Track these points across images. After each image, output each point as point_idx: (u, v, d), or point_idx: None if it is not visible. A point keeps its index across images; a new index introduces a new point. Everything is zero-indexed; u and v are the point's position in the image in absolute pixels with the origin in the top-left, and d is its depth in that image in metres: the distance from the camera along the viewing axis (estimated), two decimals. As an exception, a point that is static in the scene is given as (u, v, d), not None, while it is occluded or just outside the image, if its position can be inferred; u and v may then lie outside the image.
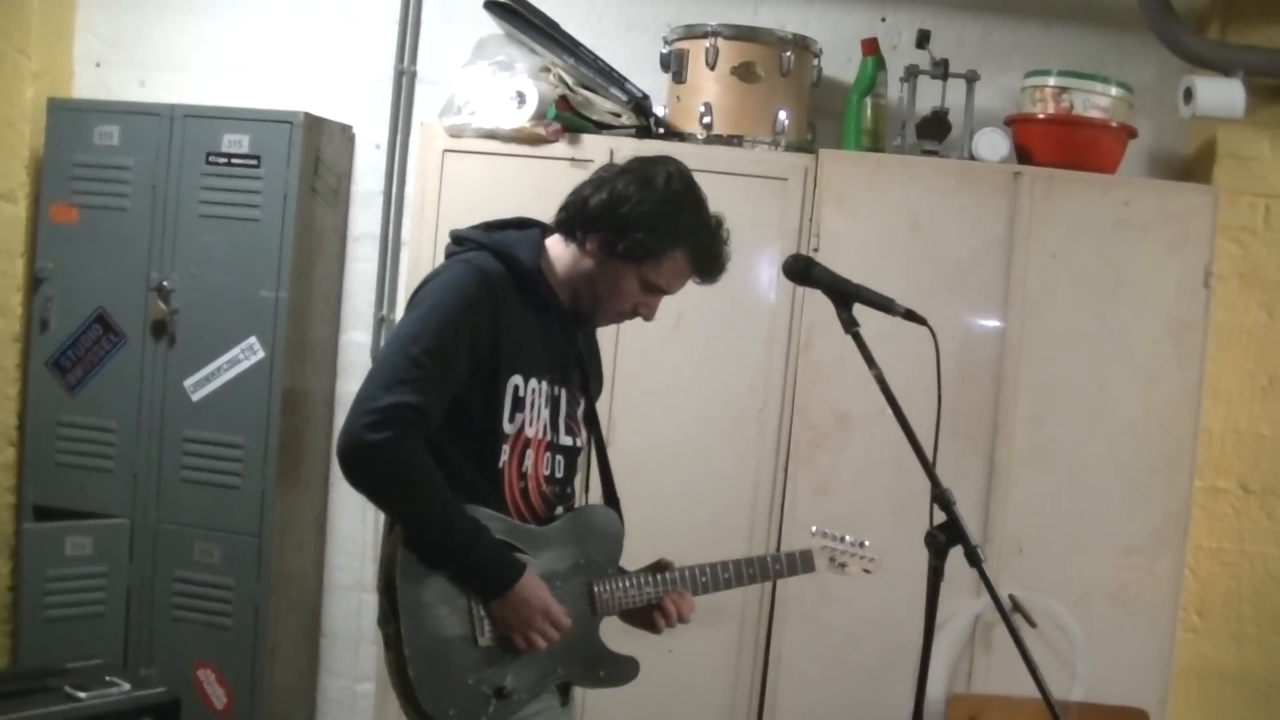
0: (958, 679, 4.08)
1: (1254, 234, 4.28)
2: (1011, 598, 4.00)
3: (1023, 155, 4.11)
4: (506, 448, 2.76)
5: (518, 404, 2.77)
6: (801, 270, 2.79)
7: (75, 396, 4.50)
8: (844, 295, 2.73)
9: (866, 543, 3.25)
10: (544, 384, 2.83)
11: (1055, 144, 4.05)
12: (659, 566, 3.01)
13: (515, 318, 2.76)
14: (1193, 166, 4.38)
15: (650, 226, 2.75)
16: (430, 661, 2.63)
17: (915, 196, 4.04)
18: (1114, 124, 4.05)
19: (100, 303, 4.46)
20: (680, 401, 4.16)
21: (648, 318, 2.93)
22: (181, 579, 4.41)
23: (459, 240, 2.89)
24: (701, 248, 2.83)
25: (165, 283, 4.37)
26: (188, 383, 4.39)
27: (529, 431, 2.80)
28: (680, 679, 4.17)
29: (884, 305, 2.70)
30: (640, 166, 2.83)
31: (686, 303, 4.00)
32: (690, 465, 4.16)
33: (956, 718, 3.94)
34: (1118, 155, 4.10)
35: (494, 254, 2.78)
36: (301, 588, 4.61)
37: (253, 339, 4.33)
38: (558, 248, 2.87)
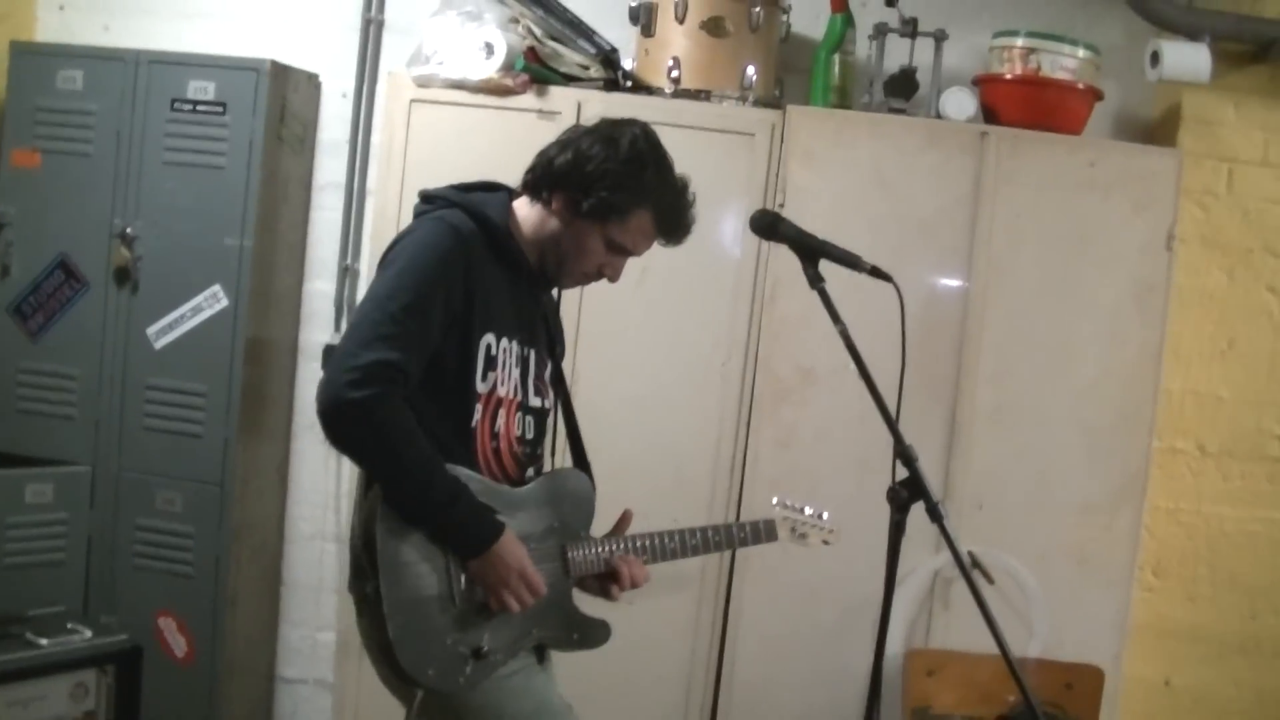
0: (916, 634, 4.12)
1: (1216, 198, 4.31)
2: (971, 554, 4.03)
3: (990, 115, 4.12)
4: (479, 407, 2.76)
5: (490, 363, 2.77)
6: (768, 225, 2.79)
7: (37, 343, 4.46)
8: (810, 251, 2.74)
9: (825, 515, 3.28)
10: (514, 344, 2.84)
11: (1022, 104, 4.06)
12: (622, 522, 3.03)
13: (486, 276, 2.75)
14: (1158, 130, 4.40)
15: (615, 186, 2.76)
16: (409, 621, 2.63)
17: (882, 154, 4.05)
18: (1080, 85, 4.06)
19: (63, 249, 4.42)
20: (644, 356, 4.17)
21: (613, 279, 2.94)
22: (143, 527, 4.39)
23: (429, 199, 2.88)
24: (666, 208, 2.84)
25: (129, 229, 4.33)
26: (150, 330, 4.36)
27: (501, 391, 2.80)
28: (641, 636, 4.17)
29: (850, 261, 2.71)
30: (606, 127, 2.84)
31: (651, 258, 3.98)
32: (654, 420, 4.17)
33: (914, 672, 3.98)
34: (1084, 116, 4.12)
35: (466, 212, 2.78)
36: (263, 537, 4.61)
37: (216, 287, 4.31)
38: (524, 209, 2.87)
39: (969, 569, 2.60)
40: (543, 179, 2.83)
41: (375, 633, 2.65)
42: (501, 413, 2.81)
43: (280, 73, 4.36)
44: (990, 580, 4.02)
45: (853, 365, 2.63)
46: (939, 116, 4.09)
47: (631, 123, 2.86)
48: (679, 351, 4.16)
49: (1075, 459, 4.07)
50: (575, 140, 2.82)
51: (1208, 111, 4.28)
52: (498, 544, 2.67)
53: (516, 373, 2.85)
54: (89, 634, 3.28)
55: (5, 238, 4.46)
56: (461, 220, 2.75)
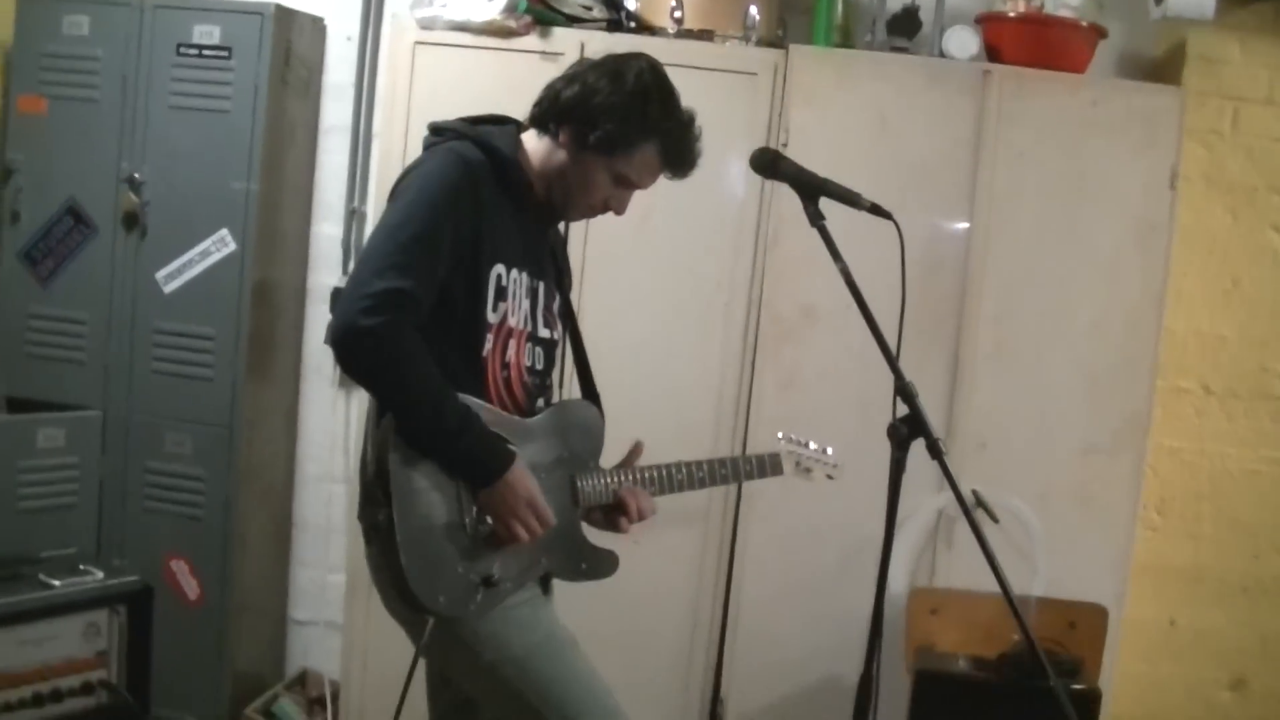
0: (920, 573, 4.15)
1: (1221, 137, 4.30)
2: (974, 493, 4.06)
3: (993, 54, 4.11)
4: (490, 337, 2.78)
5: (500, 293, 2.79)
6: (768, 163, 2.79)
7: (47, 289, 4.49)
8: (810, 188, 2.74)
9: (830, 450, 3.31)
10: (524, 275, 2.85)
11: (1025, 43, 4.05)
12: (633, 454, 3.06)
13: (496, 207, 2.77)
14: (1162, 68, 4.38)
15: (621, 119, 2.77)
16: (420, 549, 2.64)
17: (884, 94, 4.04)
18: (1084, 24, 4.05)
19: (71, 194, 4.44)
20: (647, 297, 4.19)
21: (619, 212, 2.95)
22: (153, 470, 4.44)
23: (438, 130, 2.89)
24: (672, 142, 2.85)
25: (136, 174, 4.35)
26: (159, 274, 4.39)
27: (511, 321, 2.82)
28: (647, 574, 4.22)
29: (850, 199, 2.71)
30: (613, 61, 2.85)
31: (655, 197, 4.01)
32: (657, 360, 4.19)
33: (917, 611, 4.00)
34: (1087, 55, 4.10)
35: (475, 144, 2.79)
36: (272, 479, 4.65)
37: (224, 231, 4.33)
38: (532, 142, 2.88)
39: (971, 508, 2.62)
40: (549, 112, 2.84)
41: (386, 561, 2.67)
42: (512, 343, 2.83)
43: (285, 16, 4.36)
44: (994, 519, 4.04)
45: (855, 305, 2.66)
46: (942, 56, 4.08)
47: (638, 57, 2.88)
48: (682, 292, 4.18)
49: (1077, 399, 4.07)
50: (582, 74, 2.83)
51: (1212, 49, 4.25)
52: (508, 473, 2.69)
53: (526, 304, 2.87)
54: (100, 575, 3.32)
55: (14, 184, 4.48)
56: (471, 151, 2.77)
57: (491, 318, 2.78)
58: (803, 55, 4.07)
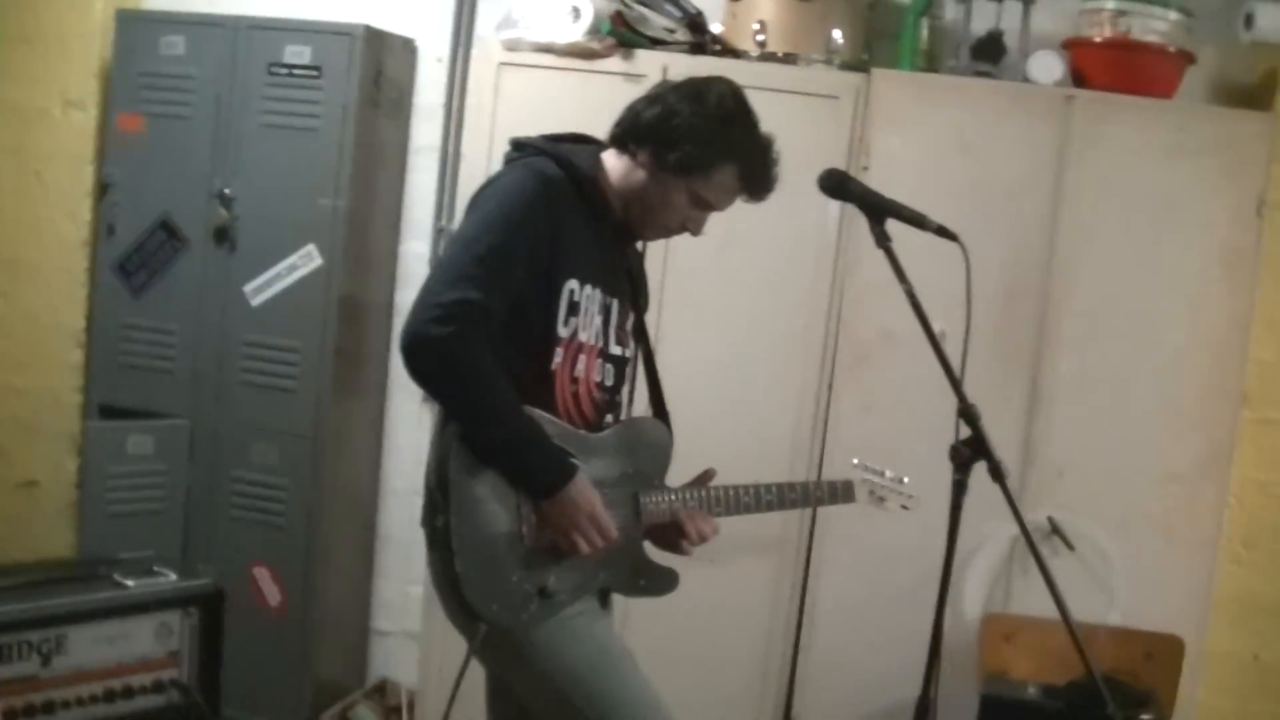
0: (995, 599, 4.11)
1: (1313, 164, 4.22)
2: (1050, 520, 4.02)
3: (1079, 79, 4.07)
4: (560, 350, 2.81)
5: (573, 308, 2.82)
6: (837, 185, 2.81)
7: (140, 300, 4.62)
8: (878, 210, 2.76)
9: (906, 480, 3.27)
10: (598, 291, 2.88)
11: (1111, 68, 4.00)
12: (704, 478, 3.07)
13: (572, 223, 2.80)
14: (1255, 94, 4.30)
15: (700, 140, 2.80)
16: (477, 556, 2.69)
17: (966, 118, 4.02)
18: (1171, 49, 3.99)
19: (165, 209, 4.56)
20: (727, 318, 4.20)
21: (695, 233, 2.98)
22: (239, 479, 4.54)
23: (519, 146, 2.94)
24: (751, 164, 2.87)
25: (227, 190, 4.46)
26: (248, 288, 4.49)
27: (583, 336, 2.85)
28: (723, 594, 4.24)
29: (916, 220, 2.72)
30: (695, 83, 2.89)
31: (735, 220, 4.02)
32: (736, 380, 4.21)
33: (991, 637, 3.98)
34: (1175, 81, 4.05)
35: (554, 160, 2.83)
36: (357, 491, 4.72)
37: (311, 246, 4.42)
38: (612, 160, 2.92)
39: (1045, 534, 2.60)
40: (630, 132, 2.88)
41: (443, 566, 2.72)
42: (582, 358, 2.86)
43: (375, 37, 4.44)
44: (1070, 546, 4.00)
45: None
46: (1026, 81, 4.05)
47: (719, 80, 2.90)
48: (761, 314, 4.19)
49: (1159, 428, 4.01)
50: (663, 95, 2.87)
51: (1306, 74, 4.18)
52: (570, 486, 2.72)
53: (599, 320, 2.89)
54: (174, 576, 3.40)
55: (111, 199, 4.61)
56: (549, 167, 2.81)
57: (563, 332, 2.81)
58: (884, 79, 4.07)
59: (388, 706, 4.69)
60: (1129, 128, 3.96)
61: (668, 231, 2.99)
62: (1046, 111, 3.98)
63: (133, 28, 4.58)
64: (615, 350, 2.97)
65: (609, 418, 2.97)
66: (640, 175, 2.87)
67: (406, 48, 4.71)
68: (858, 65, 4.16)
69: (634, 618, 4.23)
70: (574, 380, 2.85)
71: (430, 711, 4.43)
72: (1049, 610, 3.85)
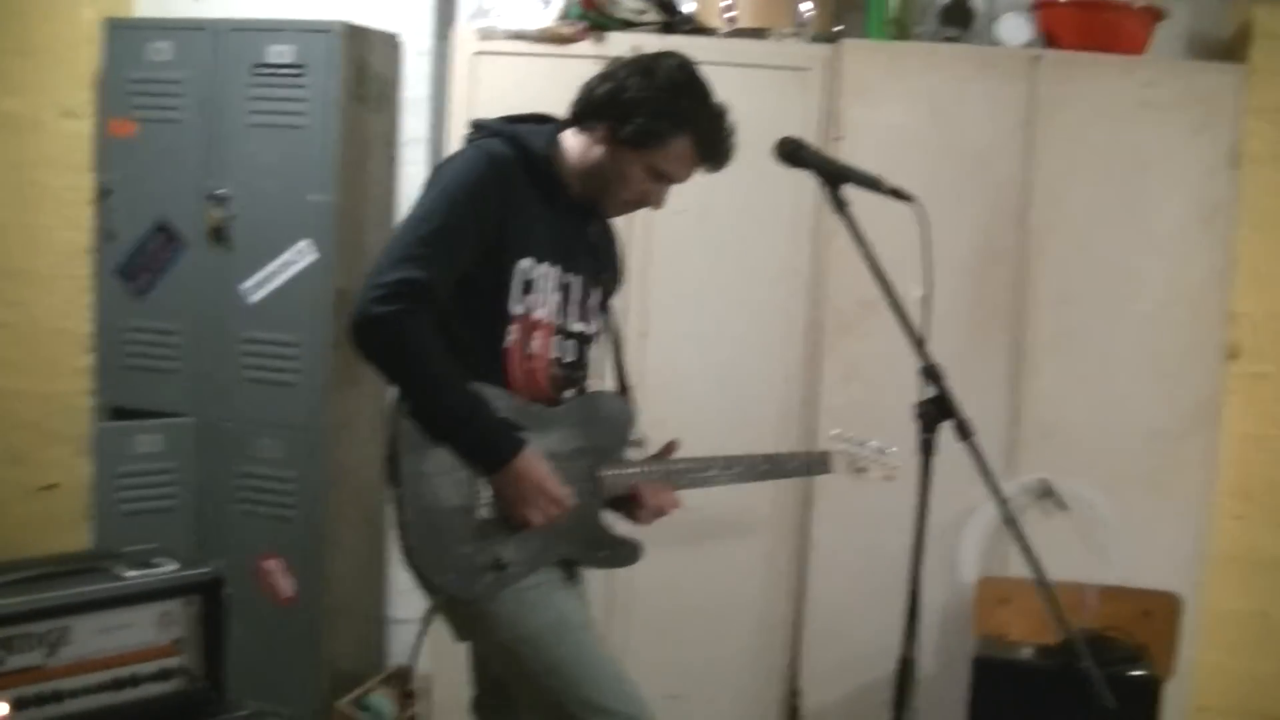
0: (992, 563, 4.14)
1: (1291, 115, 4.21)
2: (1042, 481, 4.05)
3: (1049, 40, 4.09)
4: (514, 329, 2.86)
5: (526, 286, 2.87)
6: (790, 153, 2.85)
7: (142, 302, 4.69)
8: (833, 176, 2.79)
9: (893, 449, 3.29)
10: (555, 269, 2.92)
11: (1079, 27, 4.03)
12: (667, 450, 3.12)
13: (526, 203, 2.86)
14: (1230, 47, 4.30)
15: (653, 113, 2.84)
16: (428, 528, 2.74)
17: (935, 84, 4.05)
18: (1137, 5, 4.00)
19: (161, 212, 4.63)
20: (709, 291, 4.26)
21: (656, 206, 3.02)
22: (246, 474, 4.61)
23: (476, 127, 3.00)
24: (705, 134, 2.90)
25: (219, 190, 4.53)
26: (245, 285, 4.55)
27: (537, 314, 2.90)
28: (720, 565, 4.29)
29: (872, 184, 2.75)
30: (645, 59, 2.93)
31: (714, 195, 4.08)
32: (721, 353, 4.26)
33: (986, 601, 4.00)
34: (1144, 38, 4.06)
35: (506, 141, 2.89)
36: (363, 481, 4.78)
37: (304, 242, 4.48)
38: (571, 140, 2.96)
39: (1000, 490, 2.62)
40: (585, 110, 2.93)
41: (400, 536, 2.76)
42: (538, 335, 2.90)
43: (356, 34, 4.50)
44: (1063, 506, 4.03)
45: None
46: (996, 44, 4.07)
47: (670, 54, 2.94)
48: (744, 287, 4.23)
49: (1143, 384, 4.04)
50: (615, 71, 2.91)
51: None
52: (517, 459, 2.77)
53: (556, 297, 2.94)
54: (175, 566, 3.47)
55: (109, 204, 4.70)
56: (501, 148, 2.86)
57: (516, 310, 2.86)
58: (853, 49, 4.09)
59: (403, 692, 4.75)
60: (1098, 86, 3.97)
61: (629, 206, 3.02)
62: (1014, 73, 4.00)
63: (120, 35, 4.65)
64: (576, 327, 3.01)
65: (569, 393, 3.01)
66: (597, 152, 2.91)
67: (390, 42, 4.76)
68: (828, 37, 4.19)
69: (632, 591, 4.30)
70: (528, 357, 2.90)
71: (443, 695, 4.50)
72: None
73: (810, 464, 3.27)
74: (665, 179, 2.95)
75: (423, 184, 2.90)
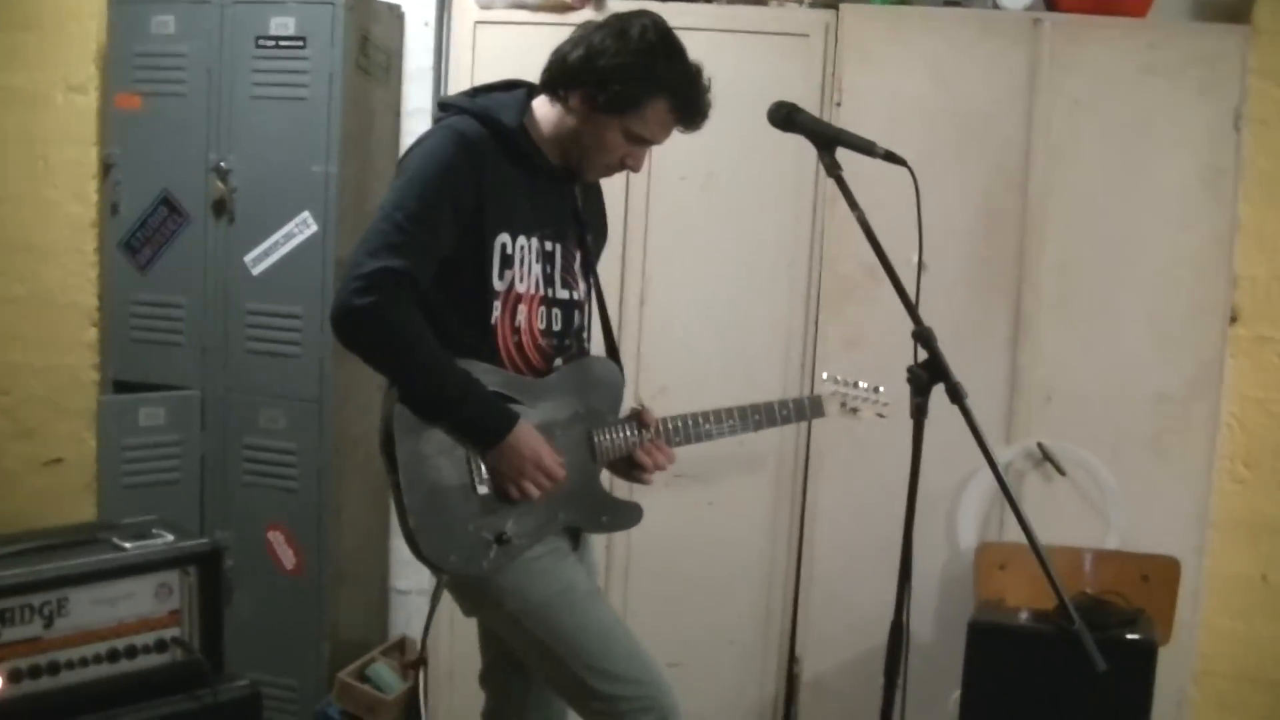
0: (990, 528, 4.13)
1: (1297, 77, 4.17)
2: (1040, 445, 4.04)
3: (1050, 3, 4.07)
4: (498, 304, 2.87)
5: (506, 261, 2.88)
6: (784, 117, 2.85)
7: (146, 275, 4.69)
8: (826, 140, 2.80)
9: (881, 389, 3.32)
10: (534, 240, 2.93)
11: (1081, -11, 4.01)
12: (642, 417, 3.10)
13: (500, 178, 2.85)
14: (1235, 9, 4.25)
15: (629, 78, 2.83)
16: (429, 510, 2.77)
17: (936, 49, 4.04)
18: (1140, -33, 3.99)
19: (165, 185, 4.63)
20: (712, 259, 4.25)
21: (635, 169, 3.02)
22: (250, 445, 4.62)
23: (444, 106, 3.00)
24: (682, 96, 2.89)
25: (223, 163, 4.53)
26: (248, 258, 4.55)
27: (520, 287, 2.90)
28: (720, 533, 4.30)
29: (865, 148, 2.75)
30: (616, 20, 2.91)
31: (715, 161, 4.09)
32: (723, 321, 4.26)
33: (985, 565, 4.00)
34: (1147, 0, 4.03)
35: (475, 117, 2.88)
36: (367, 451, 4.76)
37: (306, 213, 4.48)
38: (544, 107, 2.96)
39: (990, 452, 2.61)
40: (558, 77, 2.91)
41: (401, 520, 2.80)
42: (522, 308, 2.91)
43: (359, 4, 4.49)
44: (1062, 471, 4.02)
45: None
46: (996, 7, 4.05)
47: (641, 14, 2.93)
48: (746, 254, 4.23)
49: (1146, 348, 4.02)
50: (587, 36, 2.90)
51: (1284, -13, 4.13)
52: (512, 434, 2.79)
53: (538, 268, 2.94)
54: (171, 538, 3.48)
55: (113, 178, 4.71)
56: (470, 126, 2.85)
57: (498, 285, 2.87)
58: (854, 13, 4.08)
59: (405, 662, 4.77)
60: (1100, 48, 3.95)
61: (609, 170, 3.02)
62: (1016, 37, 3.98)
63: (125, 9, 4.65)
64: (562, 294, 3.02)
65: (558, 361, 3.01)
66: (572, 119, 2.90)
67: (393, 13, 4.76)
68: (828, 2, 4.17)
69: (634, 555, 4.31)
70: (515, 330, 2.91)
71: (442, 665, 4.52)
72: (1043, 538, 3.91)
73: (802, 409, 3.26)
74: (643, 142, 2.94)
75: (396, 168, 2.91)
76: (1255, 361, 4.24)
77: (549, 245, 2.97)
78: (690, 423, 3.08)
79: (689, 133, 2.98)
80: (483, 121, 2.87)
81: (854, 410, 3.34)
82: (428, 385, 2.75)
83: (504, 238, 2.86)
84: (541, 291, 2.96)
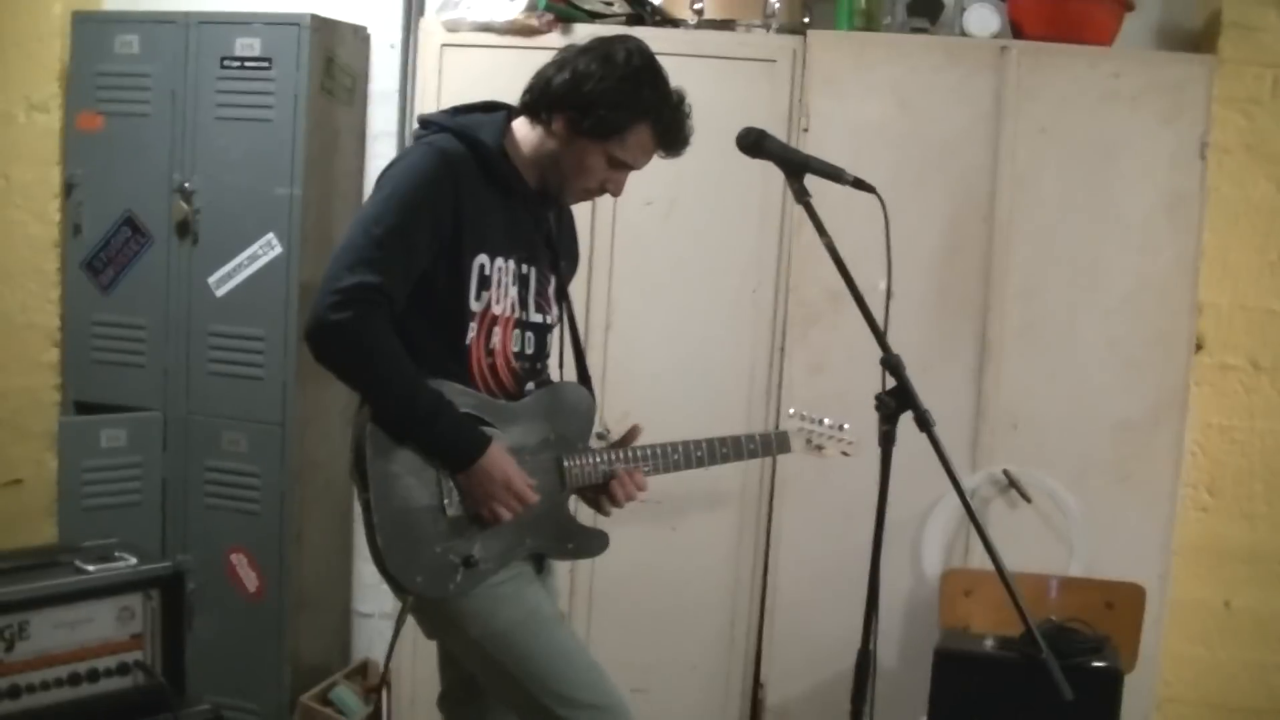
0: (954, 555, 4.13)
1: (1261, 105, 4.16)
2: (1005, 472, 4.04)
3: (1016, 30, 4.07)
4: (474, 325, 2.86)
5: (483, 282, 2.87)
6: (753, 143, 2.86)
7: (108, 296, 4.67)
8: (795, 166, 2.81)
9: (846, 425, 3.32)
10: (510, 263, 2.92)
11: (1047, 18, 4.00)
12: (630, 436, 3.11)
13: (479, 198, 2.85)
14: (1200, 39, 4.30)
15: (612, 103, 2.83)
16: (398, 530, 2.75)
17: (902, 75, 4.04)
18: (1107, -4, 4.01)
19: (128, 205, 4.61)
20: (677, 284, 4.23)
21: (615, 193, 3.02)
22: (212, 468, 4.59)
23: (425, 124, 2.99)
24: (665, 122, 2.90)
25: (187, 184, 4.51)
26: (211, 279, 4.53)
27: (496, 309, 2.90)
28: (684, 559, 4.28)
29: (833, 174, 2.76)
30: (601, 45, 2.91)
31: (680, 188, 4.08)
32: (688, 346, 4.24)
33: (951, 592, 3.98)
34: (1112, 28, 4.05)
35: (456, 136, 2.87)
36: (329, 475, 4.76)
37: (270, 235, 4.46)
38: (524, 129, 2.95)
39: (958, 480, 2.62)
40: (541, 100, 2.91)
41: (370, 539, 2.78)
42: (497, 330, 2.91)
43: (323, 26, 4.49)
44: (1027, 499, 4.02)
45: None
46: (964, 35, 4.06)
47: (625, 39, 2.93)
48: (711, 279, 4.21)
49: (1111, 375, 4.02)
50: (571, 60, 2.89)
51: (1249, 17, 4.12)
52: (483, 457, 2.78)
53: (514, 291, 2.94)
54: (134, 560, 3.44)
55: (75, 198, 4.68)
56: (451, 144, 2.85)
57: (475, 306, 2.86)
58: (820, 40, 4.08)
59: (368, 686, 4.74)
60: (1065, 76, 3.96)
61: (587, 194, 3.02)
62: (982, 64, 3.99)
63: (88, 28, 4.63)
64: (535, 318, 3.01)
65: (530, 385, 3.01)
66: (554, 143, 2.90)
67: (358, 35, 4.75)
68: (796, 28, 4.18)
69: (596, 583, 4.29)
70: (489, 353, 2.90)
71: (406, 689, 4.49)
72: (1009, 564, 3.91)
73: (769, 444, 3.26)
74: (625, 167, 2.95)
75: (374, 184, 2.90)
76: (1218, 389, 4.26)
77: (524, 268, 2.96)
78: (660, 452, 3.07)
79: (669, 158, 2.98)
80: (463, 140, 2.87)
81: (819, 448, 3.34)
82: (400, 403, 2.74)
83: (482, 258, 2.86)
84: (517, 314, 2.96)
